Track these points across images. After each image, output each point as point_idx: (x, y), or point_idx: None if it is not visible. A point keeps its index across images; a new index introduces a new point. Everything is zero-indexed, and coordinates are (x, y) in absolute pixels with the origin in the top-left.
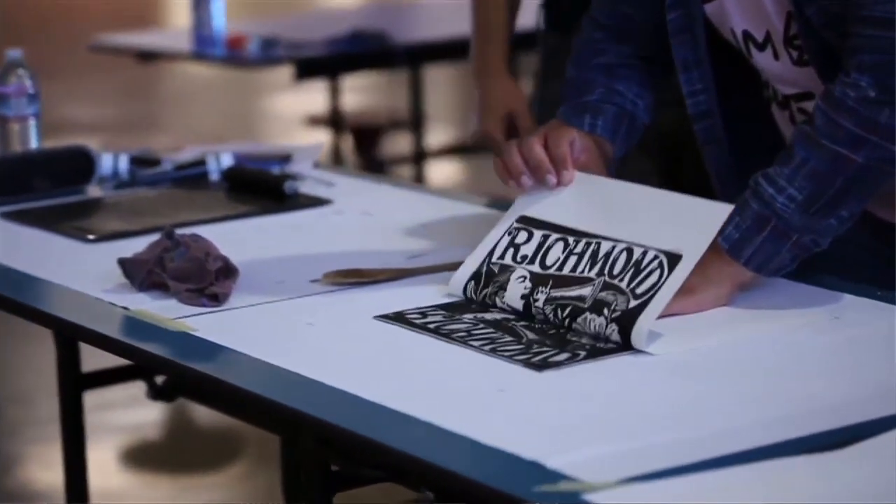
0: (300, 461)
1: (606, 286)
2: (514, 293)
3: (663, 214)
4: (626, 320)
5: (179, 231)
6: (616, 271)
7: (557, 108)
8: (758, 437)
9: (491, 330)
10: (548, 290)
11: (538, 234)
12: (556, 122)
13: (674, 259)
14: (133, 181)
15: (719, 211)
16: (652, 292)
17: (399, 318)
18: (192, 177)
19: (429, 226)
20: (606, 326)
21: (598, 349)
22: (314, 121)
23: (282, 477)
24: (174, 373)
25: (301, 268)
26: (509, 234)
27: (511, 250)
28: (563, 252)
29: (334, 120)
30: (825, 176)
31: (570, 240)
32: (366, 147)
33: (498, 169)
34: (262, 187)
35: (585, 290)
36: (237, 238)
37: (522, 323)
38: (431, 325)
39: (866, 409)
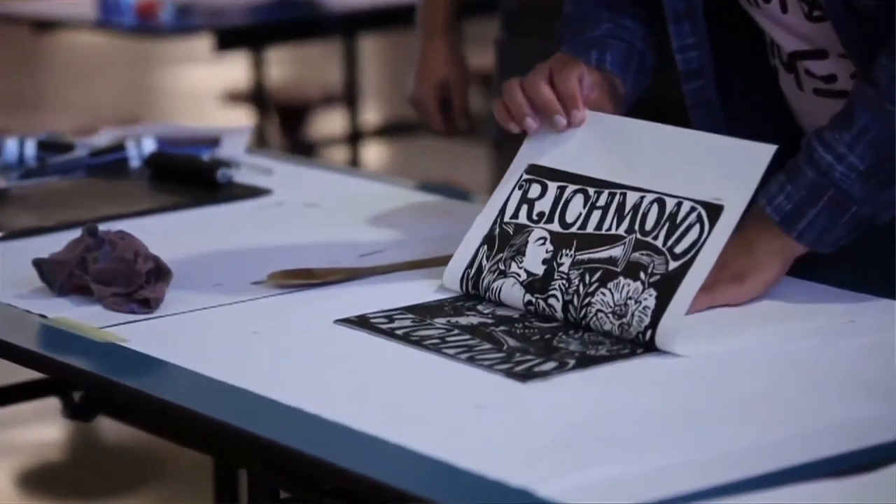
0: (234, 486)
1: (639, 245)
2: (535, 258)
3: (695, 158)
4: (666, 285)
5: (101, 227)
6: (648, 227)
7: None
8: (775, 459)
9: (467, 336)
10: (572, 252)
11: (553, 186)
12: (562, 56)
13: (714, 211)
14: (42, 169)
15: (761, 153)
16: (693, 251)
17: (363, 322)
18: (109, 164)
19: (381, 218)
20: (643, 292)
21: (589, 357)
22: (234, 97)
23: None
24: (103, 389)
25: (241, 268)
26: (520, 187)
27: (525, 207)
28: (585, 206)
29: (257, 96)
30: (891, 144)
31: (591, 191)
32: (293, 127)
33: (498, 111)
34: (191, 176)
35: (616, 251)
36: (165, 234)
37: (502, 328)
38: (400, 331)
39: (892, 427)
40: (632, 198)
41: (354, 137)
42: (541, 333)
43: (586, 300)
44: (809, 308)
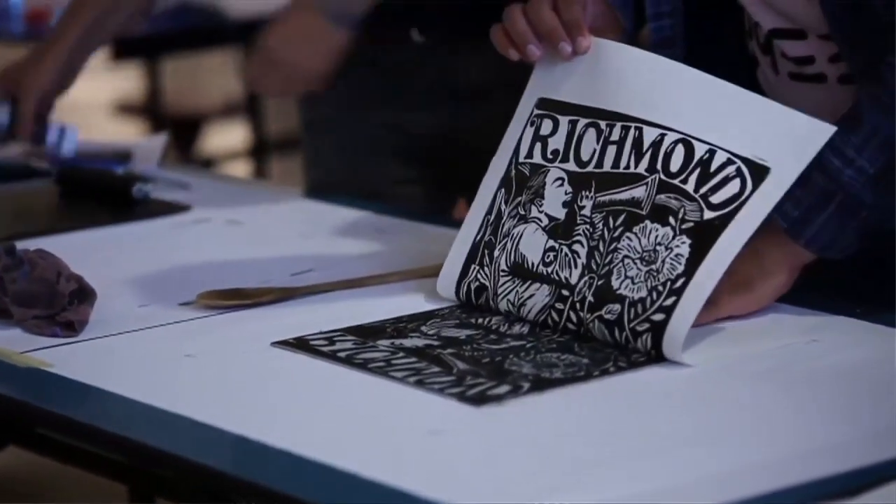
0: None
1: (664, 186)
2: (554, 200)
3: (723, 107)
4: (703, 235)
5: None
6: (674, 169)
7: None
8: (738, 487)
9: (413, 359)
10: (592, 193)
11: (564, 121)
12: None
13: (758, 171)
14: None
15: (819, 131)
16: (734, 205)
17: (301, 344)
18: (15, 178)
19: (309, 235)
20: (674, 238)
21: (543, 380)
22: (125, 109)
23: None
24: (28, 418)
25: (167, 288)
26: (531, 123)
27: (538, 145)
28: (598, 142)
29: (151, 108)
30: None
31: (602, 124)
32: (187, 140)
33: (497, 37)
34: (104, 191)
35: (638, 192)
36: (82, 253)
37: (450, 350)
38: (342, 354)
39: (866, 450)
40: (650, 134)
41: (259, 150)
42: (490, 356)
43: (612, 245)
44: (771, 327)
